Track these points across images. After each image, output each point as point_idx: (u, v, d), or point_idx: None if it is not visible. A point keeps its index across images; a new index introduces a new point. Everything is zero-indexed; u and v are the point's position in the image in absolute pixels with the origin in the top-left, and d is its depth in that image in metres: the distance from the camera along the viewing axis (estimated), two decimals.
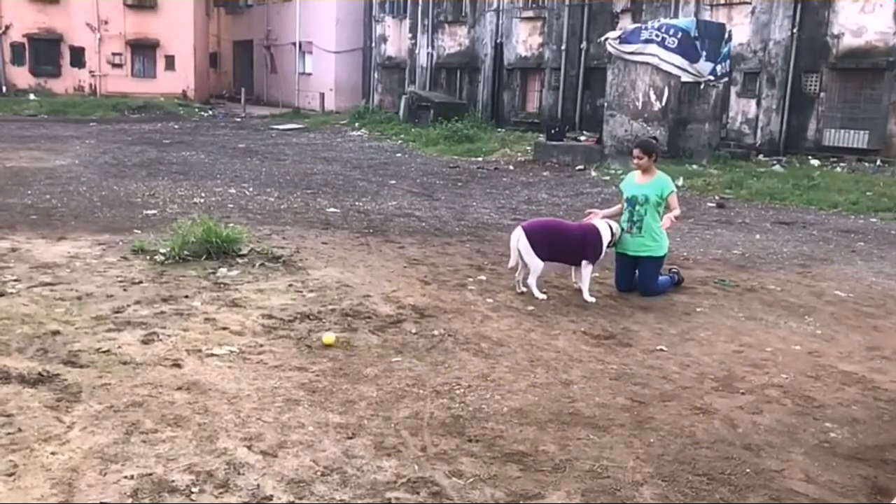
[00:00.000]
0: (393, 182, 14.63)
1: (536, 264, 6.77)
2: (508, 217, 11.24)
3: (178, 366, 4.75)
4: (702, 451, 3.97)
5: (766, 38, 20.88)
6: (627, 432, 4.15)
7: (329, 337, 5.35)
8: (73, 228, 8.95)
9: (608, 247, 7.00)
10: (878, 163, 18.14)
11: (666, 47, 17.23)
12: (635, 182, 7.21)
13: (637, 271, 7.13)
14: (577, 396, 4.61)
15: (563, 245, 6.88)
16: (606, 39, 18.65)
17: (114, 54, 37.36)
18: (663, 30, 17.43)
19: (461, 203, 12.39)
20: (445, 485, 3.49)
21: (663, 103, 17.52)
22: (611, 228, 7.02)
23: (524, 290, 6.88)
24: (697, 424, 4.30)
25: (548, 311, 6.40)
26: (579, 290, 7.07)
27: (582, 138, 21.93)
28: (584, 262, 6.87)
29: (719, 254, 9.20)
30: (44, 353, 4.84)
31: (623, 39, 18.04)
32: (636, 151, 7.18)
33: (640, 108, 17.82)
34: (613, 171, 16.50)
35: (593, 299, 6.81)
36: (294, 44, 39.59)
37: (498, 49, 28.69)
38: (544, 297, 6.75)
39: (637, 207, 7.08)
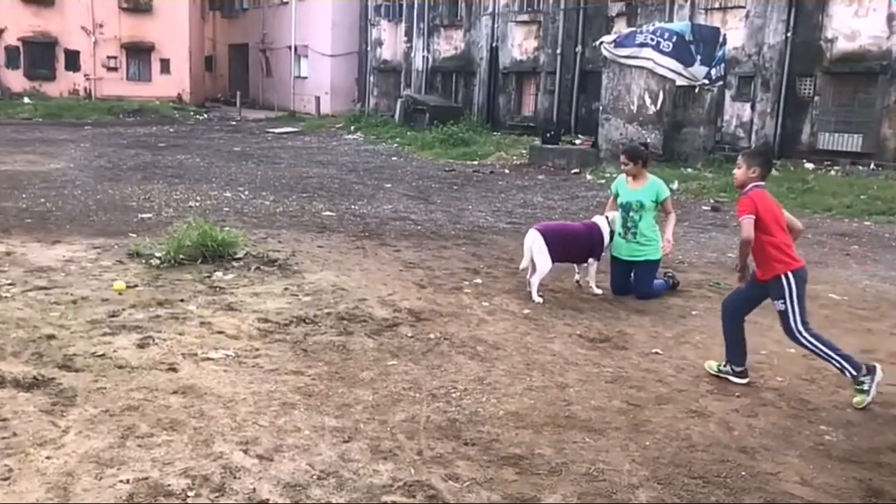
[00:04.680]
0: (388, 185, 14.64)
1: (547, 265, 6.89)
2: (504, 220, 11.25)
3: (174, 370, 4.75)
4: (697, 454, 3.98)
5: (761, 42, 20.95)
6: (623, 435, 4.16)
7: (120, 284, 6.10)
8: (69, 232, 8.93)
9: (610, 239, 7.23)
10: (872, 166, 18.20)
11: (661, 51, 17.28)
12: (628, 188, 7.25)
13: (633, 275, 7.16)
14: (572, 400, 4.62)
15: (574, 245, 7.12)
16: (601, 43, 18.71)
17: (109, 58, 37.28)
18: (658, 34, 17.47)
19: (457, 206, 12.40)
20: (442, 488, 3.49)
21: (658, 107, 17.56)
22: (609, 223, 7.20)
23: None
24: (693, 427, 4.31)
25: (543, 315, 6.41)
26: (574, 293, 7.12)
27: (577, 142, 21.97)
28: (590, 260, 7.15)
29: (714, 257, 9.23)
30: (39, 358, 4.83)
31: (618, 43, 18.09)
32: (623, 157, 7.31)
33: (634, 111, 17.86)
34: (609, 175, 16.52)
35: (601, 291, 7.13)
36: (289, 47, 39.60)
37: (493, 53, 28.74)
38: (541, 300, 6.78)
39: (631, 213, 7.13)
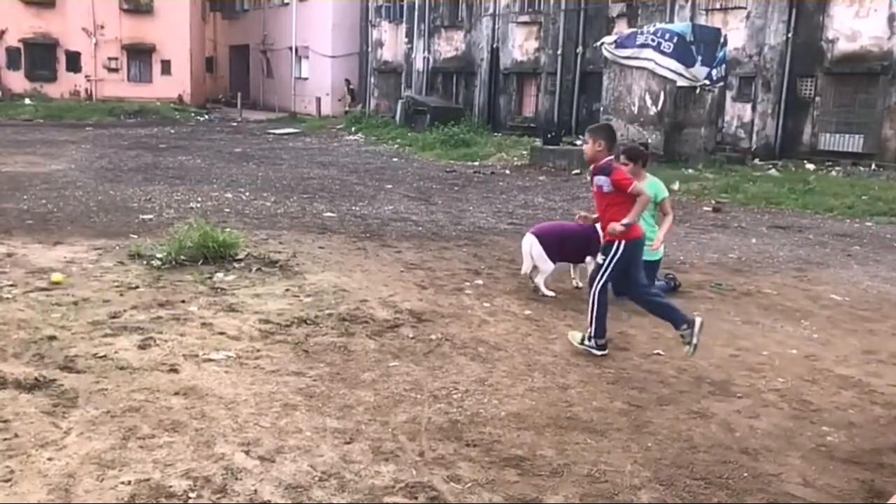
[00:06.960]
0: (389, 186, 14.63)
1: (549, 267, 7.01)
2: (505, 221, 11.25)
3: (175, 371, 4.74)
4: (699, 455, 3.98)
5: (762, 42, 20.96)
6: (625, 436, 4.16)
7: (57, 276, 6.37)
8: (70, 233, 8.93)
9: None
10: (873, 167, 18.21)
11: (662, 52, 17.30)
12: None
13: None
14: (574, 401, 4.62)
15: (572, 245, 7.15)
16: (602, 44, 18.73)
17: (110, 59, 37.30)
18: (659, 34, 17.50)
19: (458, 207, 12.40)
20: (443, 490, 3.49)
21: (659, 108, 17.57)
22: None
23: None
24: (695, 428, 4.31)
25: (545, 316, 6.41)
26: (576, 294, 7.12)
27: (578, 143, 21.95)
28: (588, 259, 7.18)
29: (715, 258, 9.22)
30: (40, 359, 4.83)
31: (619, 44, 18.12)
32: (622, 158, 7.25)
33: (635, 112, 17.88)
34: None
35: None
36: (290, 48, 39.62)
37: (494, 54, 28.75)
38: (552, 294, 6.90)
39: None
